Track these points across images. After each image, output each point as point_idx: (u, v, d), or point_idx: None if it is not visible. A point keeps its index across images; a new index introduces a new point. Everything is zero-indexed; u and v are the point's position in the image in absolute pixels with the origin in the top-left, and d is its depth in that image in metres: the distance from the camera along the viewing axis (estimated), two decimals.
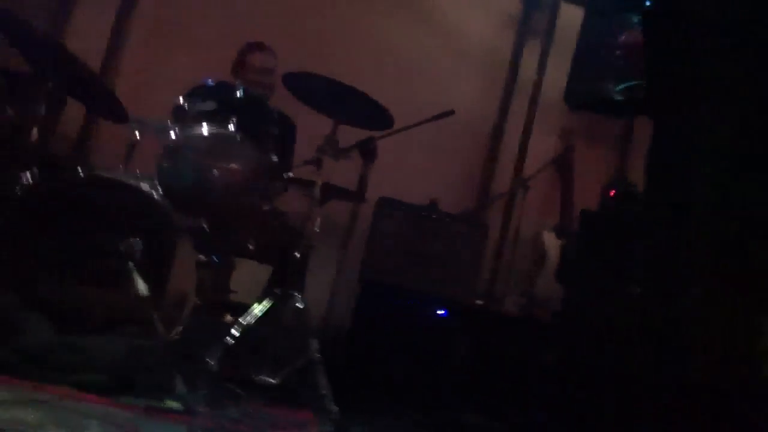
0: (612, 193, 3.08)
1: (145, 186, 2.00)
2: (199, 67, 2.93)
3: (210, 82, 2.22)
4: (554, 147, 3.49)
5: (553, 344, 2.68)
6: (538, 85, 3.76)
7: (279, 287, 2.09)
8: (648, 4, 1.36)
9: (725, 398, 1.21)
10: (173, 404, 1.68)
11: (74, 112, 3.09)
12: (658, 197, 1.29)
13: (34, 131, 2.24)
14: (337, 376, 2.08)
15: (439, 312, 2.95)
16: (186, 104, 2.15)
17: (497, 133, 3.65)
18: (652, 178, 1.31)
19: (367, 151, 2.38)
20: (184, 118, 2.12)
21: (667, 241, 1.30)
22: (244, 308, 2.09)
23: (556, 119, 3.64)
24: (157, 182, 2.06)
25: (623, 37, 1.53)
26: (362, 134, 2.37)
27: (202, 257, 2.15)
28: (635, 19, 1.83)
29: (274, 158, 2.18)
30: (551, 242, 3.26)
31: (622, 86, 1.53)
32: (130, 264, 1.74)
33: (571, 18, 3.50)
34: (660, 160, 1.28)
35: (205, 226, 2.15)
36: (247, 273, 2.48)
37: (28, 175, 1.99)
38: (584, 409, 2.38)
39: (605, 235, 2.87)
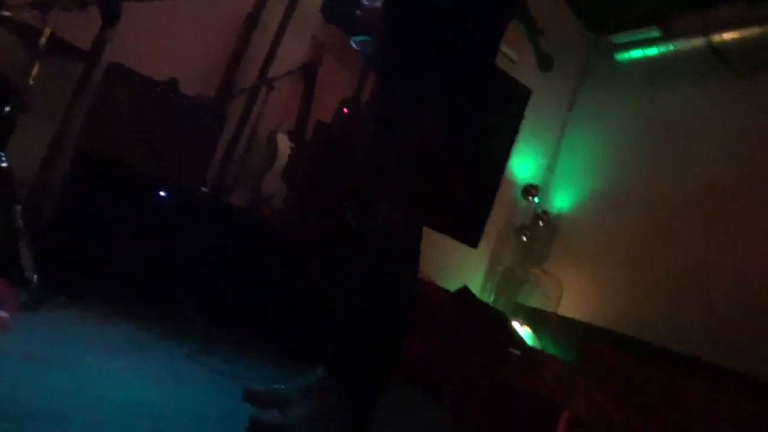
0: (345, 110, 3.37)
1: None
2: None
3: None
4: (304, 55, 3.60)
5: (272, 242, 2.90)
6: None
7: None
8: None
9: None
10: None
11: None
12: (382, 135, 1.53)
13: None
14: (41, 248, 1.96)
15: (161, 193, 2.89)
16: None
17: (250, 26, 3.57)
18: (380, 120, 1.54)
19: (109, 9, 2.15)
20: None
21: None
22: None
23: (311, 28, 3.74)
24: None
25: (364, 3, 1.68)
26: None
27: None
28: None
29: None
30: (284, 144, 3.44)
31: (359, 38, 1.69)
32: None
33: None
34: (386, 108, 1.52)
35: None
36: None
37: None
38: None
39: (332, 147, 3.17)
